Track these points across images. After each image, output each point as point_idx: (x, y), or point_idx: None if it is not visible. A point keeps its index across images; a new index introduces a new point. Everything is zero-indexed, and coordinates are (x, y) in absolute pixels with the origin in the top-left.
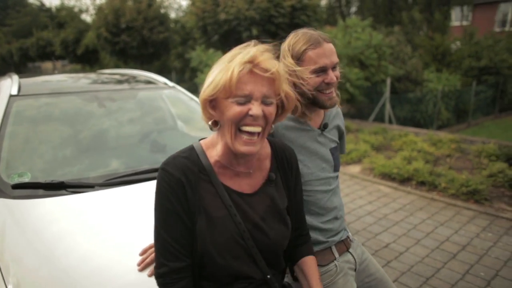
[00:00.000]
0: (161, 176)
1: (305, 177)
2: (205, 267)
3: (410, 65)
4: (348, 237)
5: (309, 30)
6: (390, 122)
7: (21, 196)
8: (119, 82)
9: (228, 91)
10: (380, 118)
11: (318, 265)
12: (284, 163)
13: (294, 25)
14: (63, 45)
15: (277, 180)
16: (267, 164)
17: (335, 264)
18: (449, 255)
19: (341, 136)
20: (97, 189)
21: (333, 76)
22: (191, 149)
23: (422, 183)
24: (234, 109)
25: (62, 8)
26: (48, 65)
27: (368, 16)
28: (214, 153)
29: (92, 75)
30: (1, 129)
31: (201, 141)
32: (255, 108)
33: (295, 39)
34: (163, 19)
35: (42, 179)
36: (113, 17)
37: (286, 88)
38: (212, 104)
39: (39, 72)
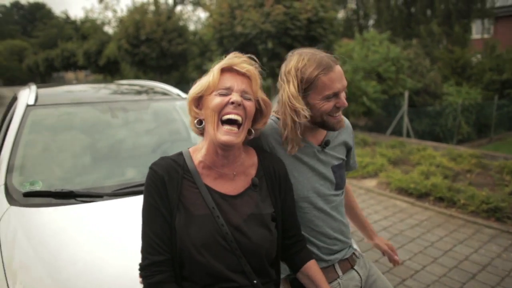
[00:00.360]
0: (148, 175)
1: (300, 193)
2: (184, 266)
3: (428, 78)
4: (354, 254)
5: (315, 51)
6: (408, 135)
7: (32, 204)
8: (133, 93)
9: (212, 87)
10: (397, 132)
11: None
12: (271, 172)
13: (310, 38)
14: (86, 56)
15: (262, 187)
16: (252, 171)
17: (338, 283)
18: (467, 275)
19: (348, 151)
20: (106, 199)
21: (344, 100)
22: (179, 154)
23: (440, 199)
24: (216, 99)
25: (86, 20)
26: (71, 75)
27: (386, 29)
28: (199, 155)
29: (107, 86)
30: (16, 137)
31: (189, 148)
32: (235, 96)
33: (303, 62)
34: (181, 31)
35: (53, 187)
36: (133, 29)
37: (262, 95)
38: (197, 103)
39: (62, 81)
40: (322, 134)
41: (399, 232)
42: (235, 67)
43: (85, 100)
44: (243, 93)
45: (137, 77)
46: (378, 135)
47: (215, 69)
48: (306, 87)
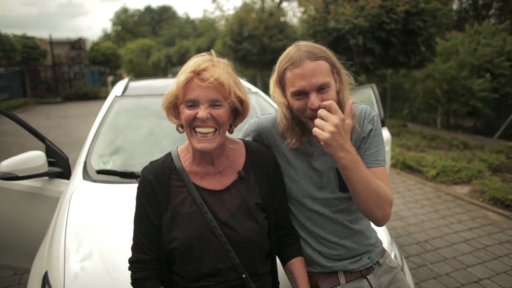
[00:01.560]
0: (139, 180)
1: (297, 192)
2: (174, 262)
3: None
4: (377, 263)
5: (306, 43)
6: None
7: (101, 180)
8: None
9: (180, 97)
10: (509, 136)
11: (317, 287)
12: (258, 162)
13: (408, 32)
14: (197, 52)
15: (249, 178)
16: (239, 163)
17: None
18: None
19: (360, 146)
20: None
21: (314, 101)
22: (168, 154)
23: None
24: (185, 113)
25: (203, 19)
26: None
27: (509, 19)
28: (187, 156)
29: None
30: (101, 123)
31: (178, 148)
32: (201, 112)
33: (283, 55)
34: (282, 27)
35: (121, 168)
36: (237, 27)
37: (239, 93)
38: (175, 110)
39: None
40: None
41: (483, 246)
42: (197, 79)
43: (163, 92)
44: (211, 102)
45: (238, 72)
46: (484, 139)
47: (180, 77)
48: (280, 81)
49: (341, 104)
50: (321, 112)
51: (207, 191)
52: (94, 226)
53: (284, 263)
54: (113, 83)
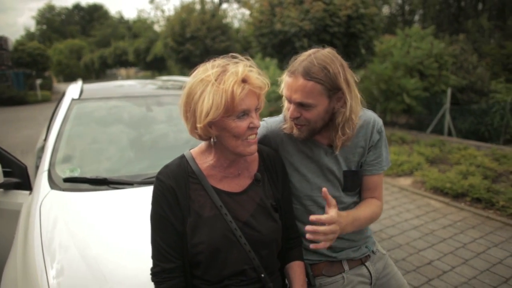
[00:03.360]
0: (155, 185)
1: (305, 191)
2: (198, 266)
3: (475, 75)
4: (368, 255)
5: (319, 57)
6: (450, 134)
7: (70, 189)
8: (170, 88)
9: (230, 110)
10: (439, 130)
11: (324, 275)
12: (269, 165)
13: (350, 34)
14: (136, 54)
15: (264, 180)
16: (254, 166)
17: (343, 276)
18: (500, 279)
19: (363, 155)
20: (136, 186)
21: (291, 112)
22: (181, 157)
23: (477, 200)
24: (238, 126)
25: (138, 20)
26: (122, 72)
27: (431, 24)
28: (203, 160)
29: (145, 81)
30: (61, 128)
31: (191, 150)
32: (256, 121)
33: (297, 56)
34: (225, 29)
35: (89, 175)
36: (179, 28)
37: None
38: (210, 123)
39: (114, 78)
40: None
41: (430, 231)
42: (250, 88)
43: (125, 95)
44: (256, 109)
45: (183, 74)
46: (418, 134)
47: (233, 88)
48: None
49: (333, 122)
50: (321, 232)
51: (226, 193)
52: (73, 236)
53: (284, 265)
54: (42, 86)
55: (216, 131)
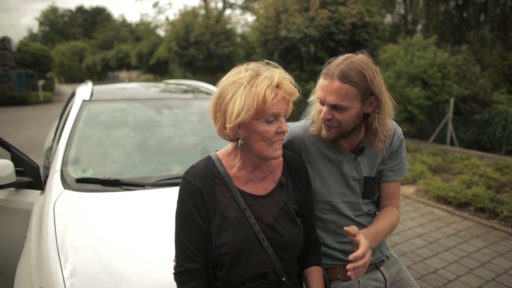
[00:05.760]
0: (182, 185)
1: (325, 196)
2: (221, 268)
3: (477, 85)
4: (382, 260)
5: (354, 61)
6: (452, 144)
7: (83, 189)
8: (179, 91)
9: (260, 113)
10: (441, 140)
11: (339, 279)
12: (293, 170)
13: (354, 42)
14: (138, 57)
15: (288, 185)
16: (279, 170)
17: (358, 281)
18: None
19: (383, 162)
20: (148, 188)
21: (324, 114)
22: (208, 158)
23: (481, 210)
24: (266, 130)
25: (141, 23)
26: (124, 74)
27: (434, 34)
28: (230, 162)
29: (156, 84)
30: (73, 129)
31: (217, 152)
32: (284, 126)
33: (332, 60)
34: (228, 34)
35: (102, 176)
36: (183, 32)
37: None
38: (240, 125)
39: (116, 80)
40: (356, 139)
41: (434, 240)
42: (282, 93)
43: (134, 97)
44: (284, 115)
45: (185, 78)
46: (420, 142)
47: (265, 92)
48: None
49: (370, 127)
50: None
51: (251, 196)
52: (88, 237)
53: (302, 269)
54: (44, 87)
55: (245, 133)
